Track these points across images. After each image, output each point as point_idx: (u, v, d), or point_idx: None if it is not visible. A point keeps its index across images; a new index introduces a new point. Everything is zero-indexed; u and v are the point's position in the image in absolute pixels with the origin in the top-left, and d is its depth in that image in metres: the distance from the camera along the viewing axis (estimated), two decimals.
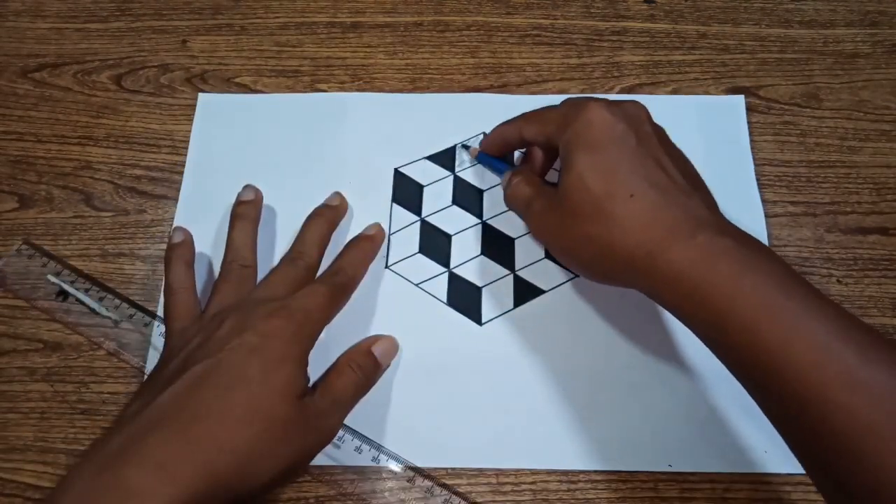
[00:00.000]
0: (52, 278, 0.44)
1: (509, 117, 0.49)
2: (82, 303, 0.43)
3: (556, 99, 0.49)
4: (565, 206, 0.37)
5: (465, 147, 0.48)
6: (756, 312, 0.30)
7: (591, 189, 0.35)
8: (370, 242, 0.44)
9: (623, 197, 0.35)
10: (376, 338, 0.41)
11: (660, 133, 0.38)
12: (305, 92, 0.50)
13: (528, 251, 0.45)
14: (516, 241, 0.45)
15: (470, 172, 0.48)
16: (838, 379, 0.28)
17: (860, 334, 0.29)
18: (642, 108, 0.38)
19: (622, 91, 0.50)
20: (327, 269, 0.42)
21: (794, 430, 0.31)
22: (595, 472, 0.39)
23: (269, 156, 0.48)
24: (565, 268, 0.44)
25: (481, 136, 0.49)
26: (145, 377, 0.41)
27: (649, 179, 0.35)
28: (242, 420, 0.33)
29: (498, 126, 0.44)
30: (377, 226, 0.45)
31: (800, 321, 0.30)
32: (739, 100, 0.50)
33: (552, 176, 0.43)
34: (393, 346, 0.42)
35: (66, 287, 0.43)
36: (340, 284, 0.41)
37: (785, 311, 0.30)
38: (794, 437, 0.31)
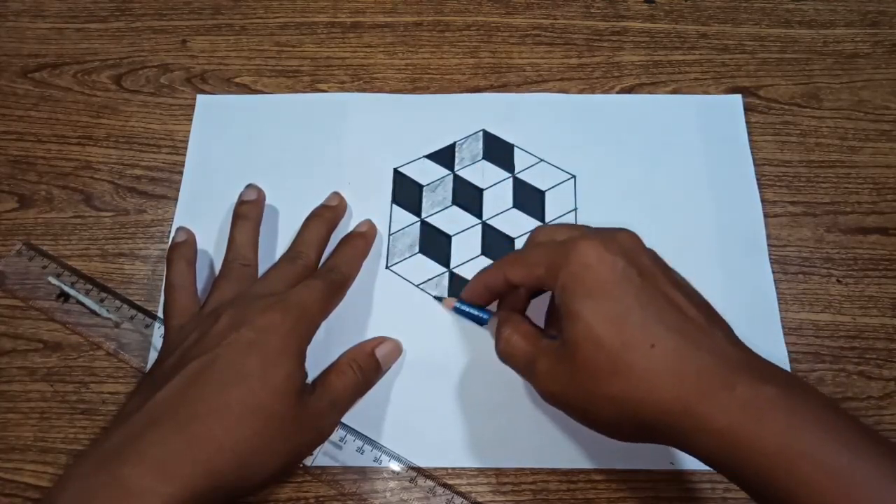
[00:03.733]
0: (53, 280, 0.44)
1: (509, 117, 0.49)
2: (83, 304, 0.43)
3: (556, 98, 0.50)
4: (576, 363, 0.32)
5: (439, 299, 0.43)
6: (819, 475, 0.28)
7: (604, 342, 0.32)
8: (363, 239, 0.44)
9: (643, 347, 0.31)
10: (380, 339, 0.41)
11: (658, 261, 0.35)
12: (305, 92, 0.50)
13: None
14: (516, 241, 0.45)
15: (470, 172, 0.48)
16: None
17: None
18: (634, 237, 0.35)
19: (622, 91, 0.50)
20: (322, 266, 0.42)
21: None
22: (595, 471, 0.39)
23: (269, 156, 0.48)
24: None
25: (481, 135, 0.49)
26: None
27: (666, 323, 0.32)
28: (241, 417, 0.33)
29: (477, 274, 0.40)
30: (369, 222, 0.45)
31: (866, 484, 0.27)
32: (737, 99, 0.50)
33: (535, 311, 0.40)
34: (396, 350, 0.42)
35: (67, 289, 0.43)
36: (336, 281, 0.41)
37: (851, 473, 0.28)
38: None
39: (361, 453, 0.39)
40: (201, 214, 0.46)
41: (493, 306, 0.41)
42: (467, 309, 0.41)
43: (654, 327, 0.31)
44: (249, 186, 0.45)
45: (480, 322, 0.41)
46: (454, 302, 0.42)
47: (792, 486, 0.28)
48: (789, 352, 0.42)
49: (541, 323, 0.40)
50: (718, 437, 0.30)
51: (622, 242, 0.34)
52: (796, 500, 0.28)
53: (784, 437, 0.28)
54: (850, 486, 0.27)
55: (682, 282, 0.35)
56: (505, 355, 0.38)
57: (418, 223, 0.46)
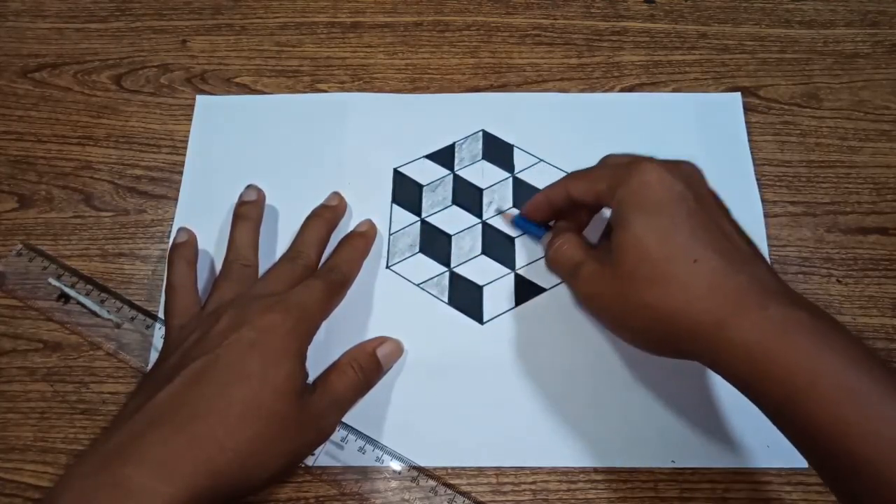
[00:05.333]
0: (54, 281, 0.44)
1: (509, 117, 0.49)
2: (83, 305, 0.43)
3: (557, 98, 0.50)
4: (620, 270, 0.35)
5: (501, 211, 0.45)
6: (838, 394, 0.29)
7: (649, 252, 0.34)
8: (363, 239, 0.44)
9: (685, 261, 0.33)
10: (381, 339, 0.41)
11: (715, 195, 0.37)
12: (305, 92, 0.50)
13: (528, 250, 0.45)
14: (516, 240, 0.45)
15: (470, 171, 0.48)
16: None
17: None
18: (696, 169, 0.37)
19: (622, 91, 0.50)
20: (322, 266, 0.42)
21: None
22: (595, 471, 0.39)
23: (269, 156, 0.48)
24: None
25: (480, 135, 0.49)
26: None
27: (712, 243, 0.33)
28: (242, 417, 0.33)
29: (541, 191, 0.42)
30: (369, 222, 0.45)
31: (885, 405, 0.28)
32: (736, 97, 0.50)
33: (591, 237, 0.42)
34: (397, 350, 0.41)
35: (67, 290, 0.43)
36: (336, 281, 0.41)
37: (869, 394, 0.29)
38: None
39: (363, 453, 0.39)
40: (201, 214, 0.46)
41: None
42: (526, 224, 0.44)
43: (699, 246, 0.33)
44: (249, 187, 0.45)
45: (537, 236, 0.43)
46: (513, 216, 0.44)
47: (811, 402, 0.29)
48: None
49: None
50: (746, 352, 0.31)
51: (684, 170, 0.36)
52: (813, 416, 0.29)
53: (810, 357, 0.30)
54: (867, 406, 0.28)
55: (733, 219, 0.36)
56: (553, 261, 0.41)
57: (418, 223, 0.46)
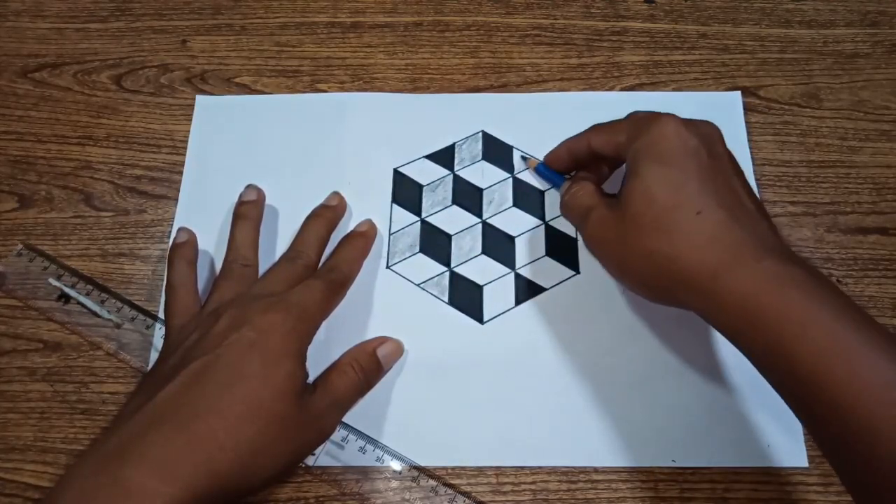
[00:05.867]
0: (54, 281, 0.44)
1: (509, 117, 0.49)
2: (84, 305, 0.43)
3: (557, 97, 0.50)
4: (626, 216, 0.36)
5: (524, 158, 0.47)
6: (825, 342, 0.30)
7: (656, 200, 0.35)
8: (363, 239, 0.44)
9: (689, 212, 0.34)
10: (382, 339, 0.41)
11: (731, 156, 0.37)
12: (305, 92, 0.50)
13: (528, 249, 0.45)
14: (516, 240, 0.45)
15: (470, 172, 0.48)
16: None
17: None
18: (716, 129, 0.37)
19: (623, 91, 0.50)
20: (322, 266, 0.42)
21: (850, 462, 0.30)
22: (595, 471, 0.39)
23: (269, 156, 0.48)
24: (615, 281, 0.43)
25: (480, 135, 0.49)
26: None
27: (718, 198, 0.34)
28: (242, 418, 0.33)
29: (564, 141, 0.43)
30: (369, 222, 0.45)
31: (869, 356, 0.29)
32: (736, 96, 0.50)
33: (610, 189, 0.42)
34: (398, 350, 0.41)
35: (68, 290, 0.43)
36: (336, 281, 0.41)
37: (855, 345, 0.29)
38: (848, 469, 0.30)
39: (363, 453, 0.39)
40: (201, 214, 0.46)
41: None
42: (546, 172, 0.45)
43: (705, 198, 0.34)
44: (249, 186, 0.45)
45: (557, 184, 0.44)
46: (537, 163, 0.46)
47: (798, 350, 0.30)
48: None
49: None
50: (739, 301, 0.32)
51: (702, 128, 0.37)
52: (799, 364, 0.30)
53: (801, 307, 0.30)
54: (853, 357, 0.29)
55: (746, 181, 0.37)
56: (567, 206, 0.42)
57: (418, 223, 0.46)
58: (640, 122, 0.38)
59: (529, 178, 0.47)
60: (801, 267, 0.32)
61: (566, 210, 0.42)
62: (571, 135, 0.43)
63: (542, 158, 0.46)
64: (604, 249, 0.38)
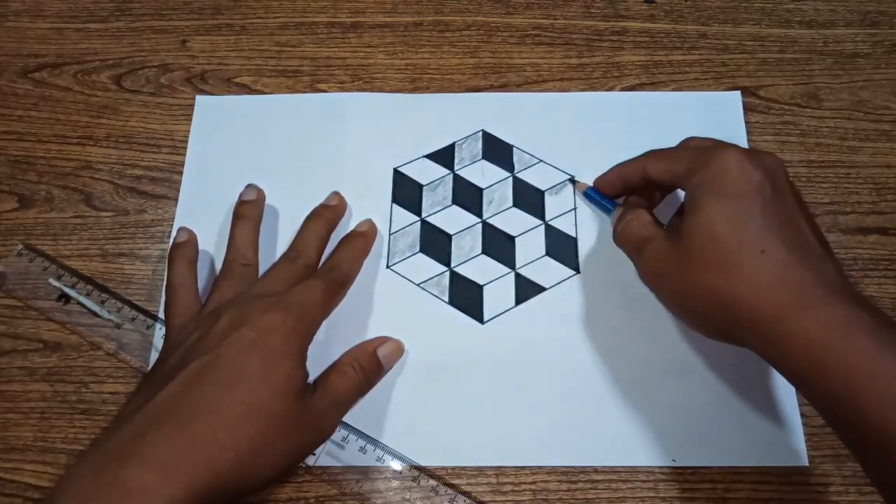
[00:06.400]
0: (54, 282, 0.44)
1: (509, 117, 0.49)
2: (84, 306, 0.43)
3: (557, 97, 0.50)
4: (687, 252, 0.35)
5: (573, 181, 0.46)
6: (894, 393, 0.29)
7: (719, 237, 0.34)
8: (363, 239, 0.44)
9: (754, 251, 0.33)
10: (382, 339, 0.41)
11: (795, 191, 0.36)
12: (305, 92, 0.50)
13: (528, 249, 0.45)
14: (517, 240, 0.45)
15: (469, 171, 0.48)
16: None
17: None
18: (780, 162, 0.37)
19: (623, 91, 0.50)
20: (322, 266, 0.42)
21: None
22: (595, 471, 0.39)
23: (269, 156, 0.48)
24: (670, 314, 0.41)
25: (480, 134, 0.49)
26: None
27: (783, 237, 0.33)
28: (243, 417, 0.33)
29: (616, 165, 0.42)
30: (369, 222, 0.45)
31: None
32: (736, 96, 0.50)
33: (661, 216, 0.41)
34: (398, 350, 0.41)
35: (68, 290, 0.43)
36: (336, 280, 0.41)
37: None
38: None
39: (364, 453, 0.39)
40: (201, 214, 0.46)
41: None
42: (597, 196, 0.44)
43: (770, 237, 0.33)
44: (249, 186, 0.45)
45: (607, 210, 0.43)
46: (586, 186, 0.45)
47: (866, 400, 0.29)
48: None
49: None
50: (805, 346, 0.31)
51: (766, 161, 0.36)
52: (867, 415, 0.29)
53: (871, 357, 0.29)
54: None
55: (811, 216, 0.36)
56: (621, 236, 0.40)
57: (418, 223, 0.46)
58: (701, 152, 0.37)
59: (530, 177, 0.47)
60: (868, 311, 0.31)
61: (620, 240, 0.41)
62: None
63: (591, 182, 0.45)
64: (662, 284, 0.37)
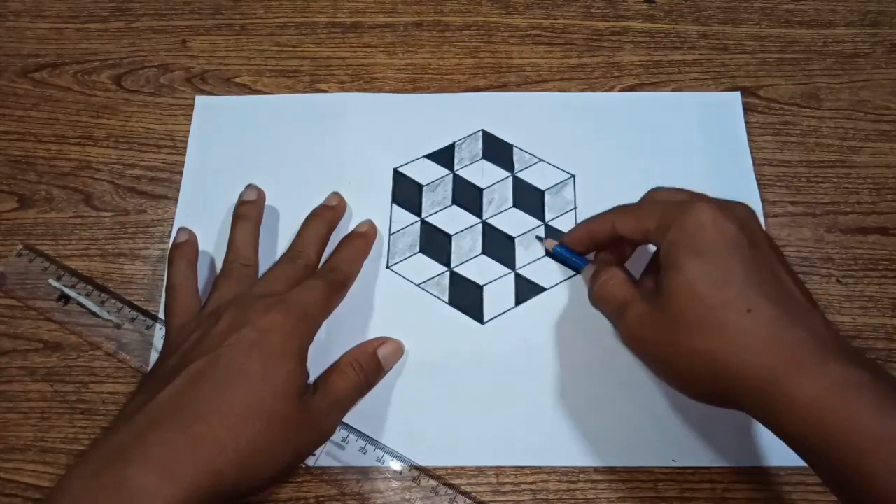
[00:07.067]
0: (54, 282, 0.44)
1: (508, 116, 0.49)
2: (84, 307, 0.43)
3: (557, 97, 0.50)
4: (669, 314, 0.33)
5: (540, 238, 0.44)
6: None
7: (702, 298, 0.32)
8: (363, 239, 0.44)
9: (739, 310, 0.31)
10: (383, 340, 0.41)
11: (770, 239, 0.36)
12: (305, 92, 0.50)
13: (528, 249, 0.45)
14: (516, 240, 0.45)
15: (469, 171, 0.48)
16: None
17: None
18: (751, 211, 0.36)
19: (623, 91, 0.50)
20: (322, 266, 0.42)
21: None
22: (595, 471, 0.39)
23: (269, 156, 0.48)
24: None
25: (480, 134, 0.49)
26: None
27: (767, 293, 0.32)
28: (243, 418, 0.33)
29: (583, 221, 0.41)
30: (369, 222, 0.45)
31: None
32: (735, 96, 0.50)
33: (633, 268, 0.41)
34: (398, 350, 0.41)
35: (68, 291, 0.43)
36: (337, 281, 0.41)
37: None
38: None
39: (364, 453, 0.39)
40: (201, 214, 0.46)
41: (589, 258, 0.42)
42: (566, 254, 0.42)
43: (754, 294, 0.32)
44: (249, 186, 0.45)
45: (577, 268, 0.42)
46: (554, 244, 0.43)
47: (873, 470, 0.28)
48: None
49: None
50: (804, 411, 0.29)
51: (738, 212, 0.35)
52: (875, 486, 0.28)
53: (873, 421, 0.28)
54: None
55: (789, 265, 0.35)
56: (599, 298, 0.39)
57: (418, 223, 0.46)
58: (671, 207, 0.35)
59: (530, 177, 0.47)
60: (867, 370, 0.30)
61: (599, 302, 0.39)
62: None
63: (556, 241, 0.43)
64: (647, 350, 0.36)
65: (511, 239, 0.45)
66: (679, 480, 0.39)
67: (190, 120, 0.49)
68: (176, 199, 0.47)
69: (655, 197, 0.39)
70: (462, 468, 0.39)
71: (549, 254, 0.43)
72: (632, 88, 0.50)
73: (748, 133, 0.48)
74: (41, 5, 0.54)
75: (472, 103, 0.50)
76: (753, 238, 0.34)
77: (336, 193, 0.46)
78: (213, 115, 0.50)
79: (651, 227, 0.36)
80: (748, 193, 0.46)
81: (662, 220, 0.35)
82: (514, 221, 0.46)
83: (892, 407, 0.29)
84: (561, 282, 0.44)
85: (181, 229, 0.44)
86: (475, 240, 0.45)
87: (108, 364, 0.42)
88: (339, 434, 0.39)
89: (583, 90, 0.50)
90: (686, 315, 0.33)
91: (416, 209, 0.46)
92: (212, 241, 0.45)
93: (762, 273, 0.33)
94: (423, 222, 0.46)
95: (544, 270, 0.44)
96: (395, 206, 0.47)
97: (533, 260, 0.45)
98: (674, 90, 0.50)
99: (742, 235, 0.33)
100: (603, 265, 0.40)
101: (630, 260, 0.42)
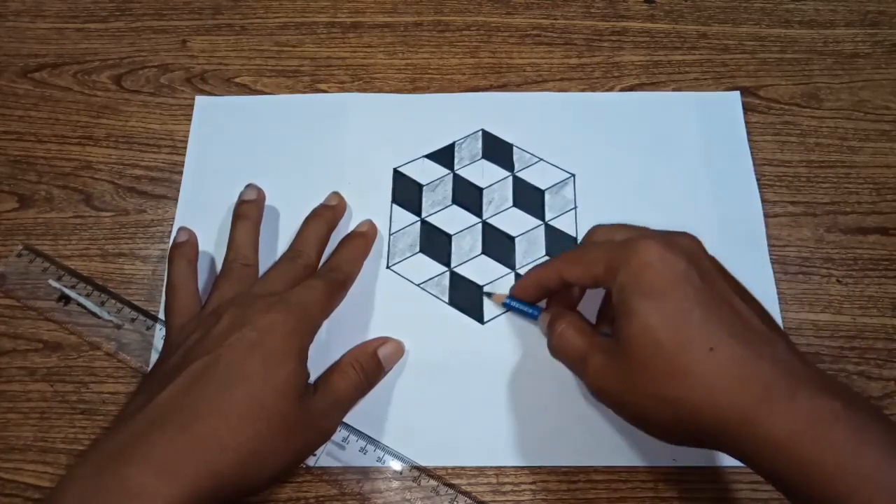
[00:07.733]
0: (54, 283, 0.44)
1: (508, 116, 0.49)
2: (84, 307, 0.43)
3: (557, 97, 0.50)
4: (631, 364, 0.32)
5: (488, 295, 0.43)
6: (878, 495, 0.27)
7: (661, 342, 0.31)
8: (363, 239, 0.44)
9: (701, 350, 0.31)
10: (383, 340, 0.41)
11: (719, 266, 0.34)
12: (305, 92, 0.50)
13: (528, 249, 0.45)
14: (516, 240, 0.45)
15: (469, 171, 0.48)
16: None
17: None
18: (696, 241, 0.35)
19: (623, 91, 0.50)
20: (322, 266, 0.42)
21: None
22: (595, 471, 0.39)
23: (269, 157, 0.48)
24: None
25: (480, 134, 0.49)
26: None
27: (726, 327, 0.31)
28: (244, 418, 0.33)
29: (531, 271, 0.40)
30: (369, 222, 0.45)
31: None
32: (735, 96, 0.50)
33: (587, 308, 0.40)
34: (399, 350, 0.41)
35: (68, 291, 0.43)
36: (337, 280, 0.41)
37: None
38: None
39: (364, 453, 0.39)
40: (201, 214, 0.46)
41: (542, 303, 0.41)
42: (518, 305, 0.41)
43: (713, 331, 0.31)
44: (249, 186, 0.45)
45: (532, 317, 0.41)
46: (504, 298, 0.41)
47: (854, 501, 0.27)
48: None
49: (592, 320, 0.39)
50: (776, 447, 0.29)
51: (683, 245, 0.34)
52: None
53: (847, 454, 0.28)
54: None
55: (743, 289, 0.34)
56: (557, 349, 0.37)
57: (418, 223, 0.46)
58: (615, 249, 0.34)
59: (530, 176, 0.47)
60: (839, 398, 0.29)
61: (558, 354, 0.38)
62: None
63: (506, 294, 0.42)
64: (615, 400, 0.34)
65: (511, 239, 0.45)
66: (679, 480, 0.39)
67: (190, 120, 0.49)
68: (176, 199, 0.47)
69: (595, 237, 0.38)
70: (462, 468, 0.39)
71: (502, 305, 0.42)
72: (632, 88, 0.50)
73: (748, 133, 0.48)
74: (41, 5, 0.54)
75: (471, 103, 0.50)
76: (702, 269, 0.33)
77: (336, 193, 0.46)
78: (213, 115, 0.50)
79: (599, 272, 0.35)
80: (748, 193, 0.46)
81: (609, 264, 0.34)
82: (514, 221, 0.46)
83: (866, 440, 0.28)
84: None
85: (181, 229, 0.44)
86: (475, 240, 0.45)
87: (108, 364, 0.42)
88: (340, 434, 0.39)
89: (583, 90, 0.50)
90: (647, 363, 0.32)
91: (416, 209, 0.46)
92: (212, 241, 0.45)
93: (718, 306, 0.32)
94: (423, 222, 0.46)
95: None
96: (395, 206, 0.47)
97: (533, 260, 0.45)
98: (674, 90, 0.50)
99: (692, 269, 0.32)
100: (556, 315, 0.38)
101: (584, 300, 0.41)
